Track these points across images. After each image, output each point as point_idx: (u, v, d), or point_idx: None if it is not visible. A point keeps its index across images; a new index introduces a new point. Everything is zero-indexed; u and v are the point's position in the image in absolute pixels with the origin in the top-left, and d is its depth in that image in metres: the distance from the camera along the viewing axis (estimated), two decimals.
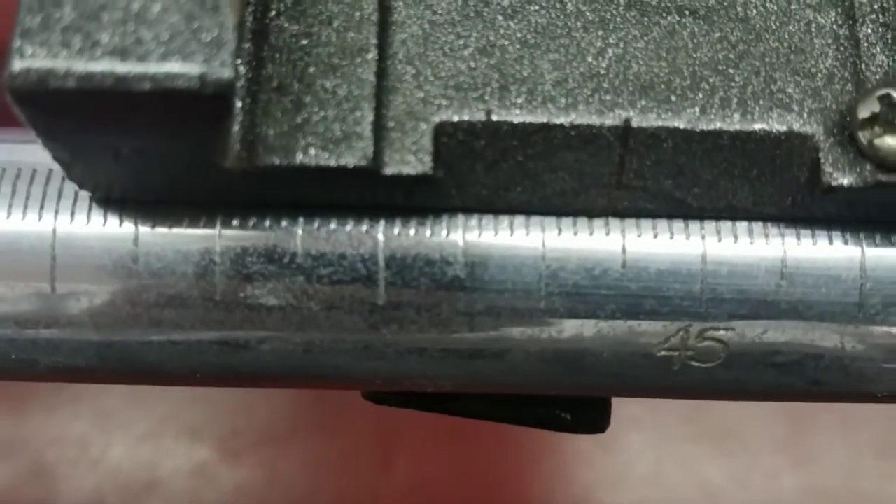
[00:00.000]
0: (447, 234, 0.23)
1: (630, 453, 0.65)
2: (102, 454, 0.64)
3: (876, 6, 0.23)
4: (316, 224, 0.23)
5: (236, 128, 0.20)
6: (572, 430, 0.28)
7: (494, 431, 0.63)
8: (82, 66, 0.18)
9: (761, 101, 0.22)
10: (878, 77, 0.22)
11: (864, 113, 0.21)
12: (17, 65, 0.18)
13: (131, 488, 0.64)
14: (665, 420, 0.65)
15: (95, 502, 0.64)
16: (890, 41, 0.22)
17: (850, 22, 0.23)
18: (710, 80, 0.22)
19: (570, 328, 0.23)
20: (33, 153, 0.22)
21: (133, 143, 0.20)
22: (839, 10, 0.23)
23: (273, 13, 0.21)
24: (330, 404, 0.64)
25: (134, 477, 0.64)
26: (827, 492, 0.65)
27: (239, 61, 0.20)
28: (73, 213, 0.23)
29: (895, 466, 0.65)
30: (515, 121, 0.21)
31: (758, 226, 0.23)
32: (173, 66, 0.18)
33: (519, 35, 0.22)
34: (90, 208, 0.23)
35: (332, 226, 0.23)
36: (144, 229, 0.22)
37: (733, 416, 0.66)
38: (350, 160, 0.21)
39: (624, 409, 0.63)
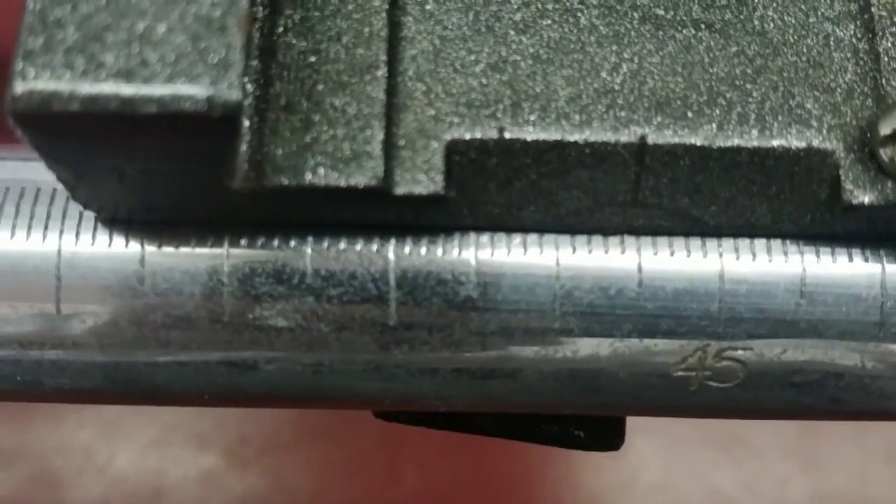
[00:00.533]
0: (459, 253, 0.22)
1: (638, 459, 0.65)
2: (108, 462, 0.64)
3: None
4: (325, 243, 0.22)
5: (244, 147, 0.20)
6: (586, 448, 0.28)
7: (502, 440, 0.63)
8: (86, 88, 0.18)
9: (780, 117, 0.22)
10: None
11: (885, 129, 0.21)
12: (20, 87, 0.18)
13: (137, 496, 0.64)
14: (674, 426, 0.65)
15: None
16: None
17: (870, 35, 0.22)
18: (728, 96, 0.22)
19: (586, 348, 0.23)
20: (37, 172, 0.22)
21: (138, 165, 0.20)
22: (858, 23, 0.22)
23: (281, 30, 0.21)
24: (337, 412, 0.63)
25: (140, 485, 0.64)
26: (837, 498, 0.65)
27: (246, 79, 0.19)
28: (78, 234, 0.22)
29: None
30: (528, 138, 0.21)
31: (776, 243, 0.23)
32: (180, 89, 0.18)
33: (531, 50, 0.22)
34: (95, 228, 0.22)
35: (342, 245, 0.22)
36: (151, 249, 0.22)
37: (742, 422, 0.65)
38: (360, 180, 0.20)
39: None
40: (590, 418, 0.27)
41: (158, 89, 0.18)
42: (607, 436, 0.27)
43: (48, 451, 0.64)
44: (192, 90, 0.18)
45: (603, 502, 0.64)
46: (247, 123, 0.20)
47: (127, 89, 0.18)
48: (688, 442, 0.65)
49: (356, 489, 0.64)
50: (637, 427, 0.66)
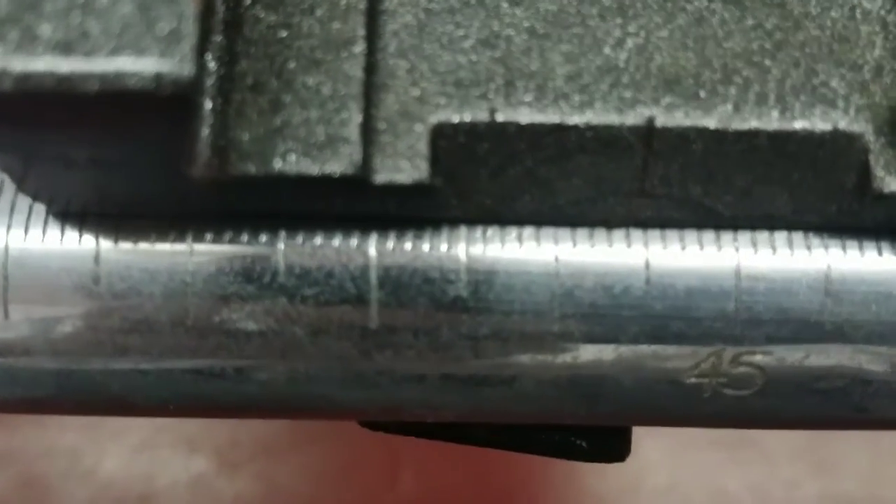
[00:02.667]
0: (448, 249, 0.21)
1: (643, 462, 0.63)
2: (95, 466, 0.63)
3: None
4: (299, 238, 0.21)
5: (205, 132, 0.19)
6: (589, 459, 0.27)
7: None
8: (19, 64, 0.16)
9: (802, 97, 0.21)
10: None
11: None
12: None
13: (126, 501, 0.63)
14: (680, 428, 0.64)
15: None
16: None
17: None
18: (744, 73, 0.21)
19: (588, 353, 0.22)
20: None
21: (86, 152, 0.19)
22: None
23: (248, 2, 0.20)
24: None
25: (128, 490, 0.63)
26: (847, 501, 0.64)
27: (209, 56, 0.18)
28: (27, 229, 0.21)
29: None
30: (523, 121, 0.20)
31: (798, 236, 0.22)
32: (125, 63, 0.16)
33: (526, 24, 0.21)
34: (46, 223, 0.21)
35: (318, 240, 0.21)
36: (106, 246, 0.21)
37: None
38: (336, 167, 0.20)
39: None
40: (593, 427, 0.26)
41: (101, 64, 0.16)
42: (612, 446, 0.26)
43: (33, 456, 0.64)
44: (139, 65, 0.16)
45: None
46: (209, 105, 0.19)
47: (65, 65, 0.16)
48: (694, 444, 0.64)
49: (352, 494, 0.63)
50: (642, 429, 0.65)
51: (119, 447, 0.64)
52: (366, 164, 0.20)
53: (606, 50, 0.21)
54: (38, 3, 0.16)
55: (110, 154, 0.19)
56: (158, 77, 0.16)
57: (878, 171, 0.20)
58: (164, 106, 0.17)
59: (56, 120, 0.17)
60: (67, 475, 0.64)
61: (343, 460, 0.64)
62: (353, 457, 0.63)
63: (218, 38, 0.19)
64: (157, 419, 0.63)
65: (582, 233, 0.22)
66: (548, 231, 0.22)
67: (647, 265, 0.22)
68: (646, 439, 0.64)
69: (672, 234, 0.22)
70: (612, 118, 0.20)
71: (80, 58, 0.16)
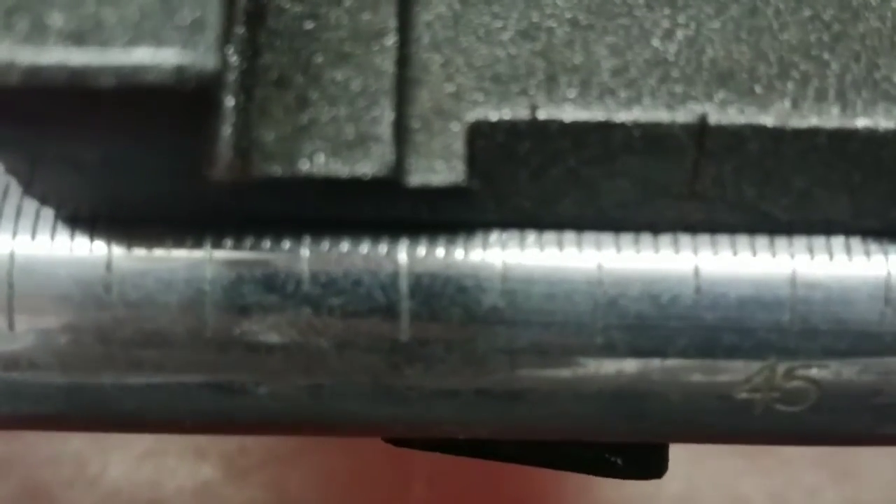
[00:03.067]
0: (483, 255, 0.21)
1: None
2: (101, 474, 0.64)
3: None
4: (325, 245, 0.21)
5: (227, 131, 0.18)
6: (624, 477, 0.26)
7: None
8: (28, 56, 0.16)
9: (864, 92, 0.20)
10: None
11: None
12: None
13: None
14: None
15: None
16: None
17: None
18: (802, 68, 0.20)
19: (632, 367, 0.21)
20: None
21: (99, 151, 0.18)
22: None
23: None
24: None
25: (135, 498, 0.63)
26: None
27: (231, 49, 0.18)
28: (34, 234, 0.21)
29: None
30: (566, 118, 0.20)
31: (857, 242, 0.22)
32: (143, 55, 0.16)
33: (568, 14, 0.21)
34: (54, 228, 0.21)
35: (345, 247, 0.21)
36: (119, 252, 0.21)
37: None
38: (367, 169, 0.19)
39: None
40: (629, 443, 0.26)
41: (117, 56, 0.16)
42: (649, 462, 0.26)
43: (38, 463, 0.64)
44: (159, 57, 0.16)
45: None
46: (231, 101, 0.18)
47: (78, 57, 0.16)
48: (712, 450, 0.64)
49: (363, 501, 0.64)
50: None
51: (125, 454, 0.65)
52: (398, 166, 0.19)
53: (655, 42, 0.20)
54: None
55: (124, 154, 0.18)
56: (180, 70, 0.16)
57: None
58: (186, 102, 0.16)
59: (67, 117, 0.17)
60: (72, 483, 0.64)
61: (354, 468, 0.64)
62: (364, 464, 0.64)
63: (240, 29, 0.18)
64: None
65: (627, 238, 0.21)
66: (590, 236, 0.21)
67: (697, 273, 0.21)
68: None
69: (723, 240, 0.21)
70: (662, 115, 0.20)
71: (95, 49, 0.16)
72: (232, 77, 0.18)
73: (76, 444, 0.65)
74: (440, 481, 0.63)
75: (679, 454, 0.68)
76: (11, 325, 0.21)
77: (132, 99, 0.16)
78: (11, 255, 0.21)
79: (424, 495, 0.63)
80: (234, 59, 0.18)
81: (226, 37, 0.16)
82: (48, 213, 0.21)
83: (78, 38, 0.16)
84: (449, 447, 0.26)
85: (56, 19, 0.16)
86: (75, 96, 0.16)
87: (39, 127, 0.17)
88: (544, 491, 0.63)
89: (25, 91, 0.16)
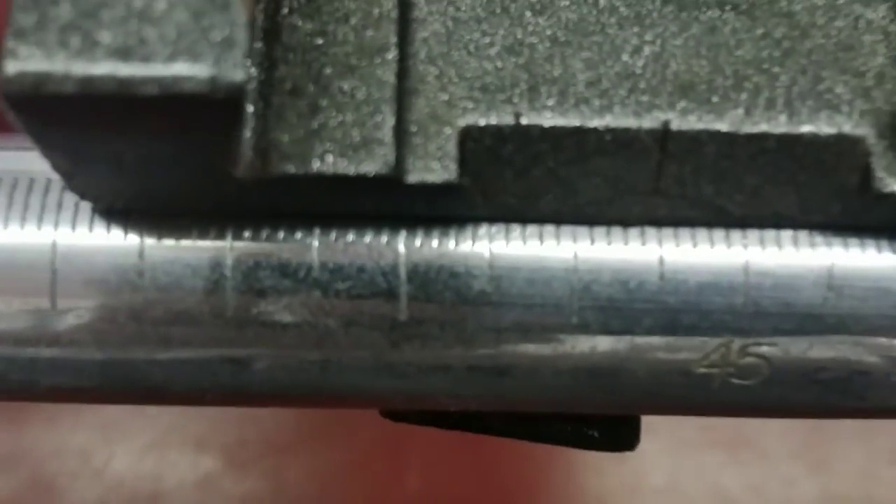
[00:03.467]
0: (472, 245, 0.22)
1: (643, 462, 0.64)
2: (105, 466, 0.64)
3: None
4: (333, 235, 0.22)
5: (248, 134, 0.19)
6: (600, 448, 0.27)
7: (507, 441, 0.63)
8: (81, 68, 0.17)
9: (809, 102, 0.21)
10: None
11: None
12: (11, 67, 0.17)
13: (135, 501, 0.63)
14: (678, 428, 0.64)
15: None
16: None
17: None
18: (754, 80, 0.21)
19: (604, 345, 0.22)
20: (31, 161, 0.22)
21: (137, 151, 0.19)
22: (890, 4, 0.22)
23: (286, 10, 0.21)
24: (338, 413, 0.64)
25: (138, 489, 0.63)
26: (844, 499, 0.65)
27: (249, 62, 0.19)
28: (74, 225, 0.22)
29: None
30: (546, 124, 0.21)
31: (804, 234, 0.23)
32: (181, 68, 0.17)
33: (549, 32, 0.22)
34: (92, 220, 0.22)
35: (350, 237, 0.22)
36: (150, 242, 0.22)
37: (748, 422, 0.65)
38: (370, 168, 0.20)
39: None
40: (604, 417, 0.27)
41: (158, 69, 0.17)
42: (622, 435, 0.27)
43: (43, 456, 0.64)
44: (194, 70, 0.17)
45: None
46: (251, 108, 0.19)
47: (125, 69, 0.17)
48: (693, 443, 0.65)
49: (358, 492, 0.63)
50: (642, 429, 0.65)
51: (128, 447, 0.64)
52: (398, 165, 0.20)
53: (624, 57, 0.21)
54: (97, 11, 0.17)
55: (158, 154, 0.19)
56: (213, 81, 0.17)
57: (880, 173, 0.21)
58: (216, 109, 0.17)
59: (112, 122, 0.18)
60: (77, 475, 0.64)
61: (350, 459, 0.63)
62: (359, 456, 0.63)
63: (258, 45, 0.20)
64: (166, 419, 0.64)
65: (599, 231, 0.22)
66: (567, 229, 0.22)
67: (661, 262, 0.22)
68: (645, 440, 0.64)
69: (685, 233, 0.22)
70: (630, 122, 0.21)
71: (139, 63, 0.17)
72: (251, 87, 0.19)
73: (81, 437, 0.64)
74: (433, 471, 0.63)
75: (660, 448, 0.68)
76: (54, 306, 0.22)
77: (170, 105, 0.17)
78: (54, 244, 0.22)
79: (418, 485, 0.63)
80: (253, 70, 0.19)
81: (249, 52, 0.18)
82: (86, 206, 0.22)
83: (124, 53, 0.17)
84: (441, 421, 0.26)
85: (105, 36, 0.17)
86: (121, 103, 0.17)
87: (87, 131, 0.18)
88: (532, 481, 0.63)
89: (78, 98, 0.17)
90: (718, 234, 0.22)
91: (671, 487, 0.64)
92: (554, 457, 0.64)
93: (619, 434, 0.27)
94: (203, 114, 0.18)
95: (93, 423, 0.64)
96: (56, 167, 0.20)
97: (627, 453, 0.64)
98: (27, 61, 0.17)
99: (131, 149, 0.19)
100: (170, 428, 0.64)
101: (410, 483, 0.63)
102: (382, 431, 0.63)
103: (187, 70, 0.17)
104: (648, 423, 0.65)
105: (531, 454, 0.64)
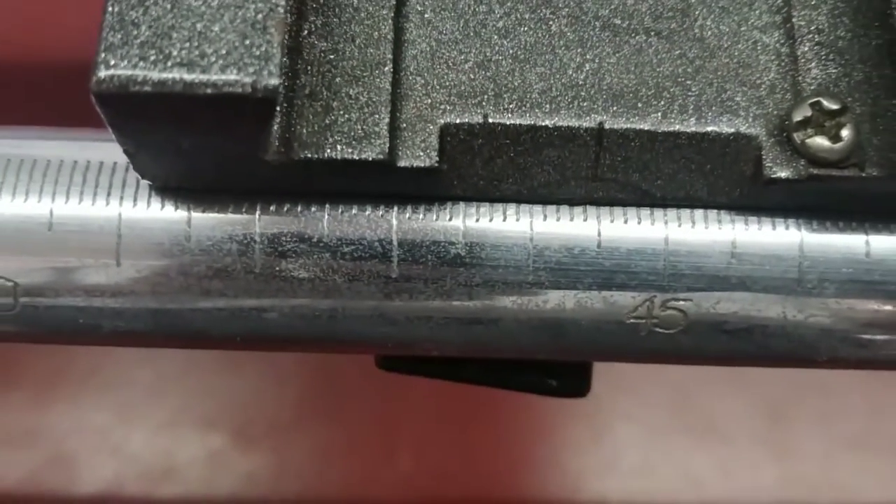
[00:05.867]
0: (450, 219, 0.25)
1: (619, 444, 0.66)
2: (123, 443, 0.65)
3: (812, 28, 0.25)
4: (340, 210, 0.24)
5: (276, 127, 0.22)
6: (558, 395, 0.31)
7: (491, 422, 0.65)
8: (156, 74, 0.21)
9: (713, 108, 0.24)
10: (812, 87, 0.24)
11: (798, 117, 0.24)
12: (103, 72, 0.21)
13: (149, 475, 0.64)
14: (652, 414, 0.66)
15: (115, 488, 0.65)
16: (823, 57, 0.25)
17: (791, 41, 0.25)
18: (671, 90, 0.24)
19: (554, 299, 0.25)
20: (101, 150, 0.25)
21: (192, 139, 0.22)
22: (782, 31, 0.25)
23: (305, 32, 0.24)
24: (336, 395, 0.65)
25: (152, 464, 0.64)
26: (804, 482, 0.66)
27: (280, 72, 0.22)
28: (135, 200, 0.25)
29: (867, 459, 0.66)
30: (508, 123, 0.23)
31: (712, 213, 0.25)
32: (230, 76, 0.21)
33: (511, 52, 0.24)
34: (150, 196, 0.25)
35: (354, 211, 0.24)
36: (196, 214, 0.25)
37: (716, 409, 0.66)
38: (370, 154, 0.23)
39: (614, 402, 0.65)
40: (561, 369, 0.30)
41: (214, 76, 0.21)
42: (575, 384, 0.31)
43: (64, 433, 0.65)
44: (240, 77, 0.21)
45: (586, 483, 0.65)
46: (278, 108, 0.22)
47: (188, 75, 0.21)
48: (665, 428, 0.66)
49: (354, 468, 0.64)
50: (618, 414, 0.67)
51: (145, 426, 0.66)
52: (391, 153, 0.23)
53: (570, 72, 0.24)
54: (168, 33, 0.21)
55: (209, 142, 0.22)
56: (254, 85, 0.21)
57: (768, 164, 0.24)
58: (256, 106, 0.21)
59: (176, 116, 0.21)
60: (96, 451, 0.65)
61: (346, 438, 0.65)
62: (355, 435, 0.65)
63: (284, 59, 0.22)
64: (178, 401, 0.66)
65: (550, 209, 0.25)
66: (525, 207, 0.25)
67: (599, 234, 0.25)
68: (620, 424, 0.66)
69: (618, 210, 0.25)
70: (573, 122, 0.23)
71: (199, 72, 0.21)
72: (280, 89, 0.22)
73: (101, 416, 0.65)
74: (423, 452, 0.65)
75: (634, 432, 0.69)
76: (119, 264, 0.25)
77: (220, 103, 0.21)
78: (119, 215, 0.25)
79: (410, 463, 0.64)
80: (281, 76, 0.22)
81: (281, 64, 0.21)
82: (145, 184, 0.25)
83: (189, 64, 0.21)
84: (426, 370, 0.30)
85: (174, 51, 0.21)
86: (184, 101, 0.21)
87: (156, 123, 0.22)
88: (516, 461, 0.65)
89: (152, 97, 0.21)
90: (644, 212, 0.25)
91: (644, 468, 0.66)
92: (536, 438, 0.67)
93: (572, 383, 0.31)
94: (244, 110, 0.21)
95: (111, 403, 0.66)
96: (126, 151, 0.23)
97: (604, 437, 0.66)
98: (115, 69, 0.21)
99: (189, 137, 0.22)
100: (182, 408, 0.66)
101: (403, 461, 0.65)
102: (377, 413, 0.65)
103: (235, 77, 0.21)
104: (623, 410, 0.67)
105: (515, 434, 0.66)
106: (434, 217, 0.25)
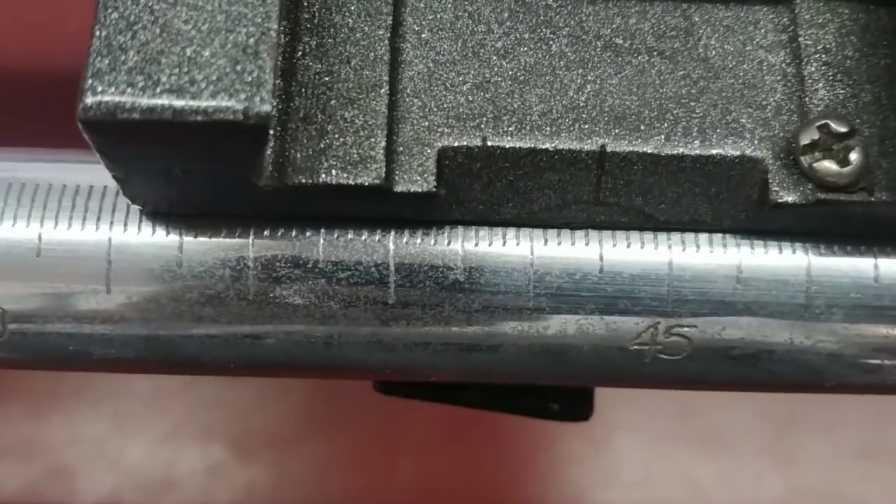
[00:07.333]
0: (448, 244, 0.24)
1: (620, 454, 0.65)
2: (121, 455, 0.65)
3: (819, 47, 0.25)
4: (335, 234, 0.24)
5: (269, 152, 0.22)
6: (560, 419, 0.30)
7: (492, 433, 0.64)
8: (145, 101, 0.20)
9: (718, 130, 0.24)
10: (819, 109, 0.24)
11: (805, 140, 0.23)
12: (90, 99, 0.20)
13: (148, 487, 0.64)
14: (653, 423, 0.65)
15: (114, 500, 0.64)
16: (830, 78, 0.24)
17: (797, 61, 0.25)
18: (675, 112, 0.24)
19: (555, 325, 0.25)
20: (91, 173, 0.25)
21: (183, 165, 0.22)
22: (788, 50, 0.25)
23: (300, 54, 0.23)
24: (337, 408, 0.64)
25: (151, 476, 0.64)
26: (810, 492, 0.65)
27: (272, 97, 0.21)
28: (125, 225, 0.24)
29: (873, 467, 0.65)
30: (507, 146, 0.23)
31: (717, 237, 0.25)
32: (221, 102, 0.20)
33: (510, 73, 0.24)
34: (141, 220, 0.24)
35: (350, 236, 0.24)
36: (188, 238, 0.24)
37: (720, 419, 0.66)
38: (366, 179, 0.22)
39: (614, 412, 0.64)
40: (563, 393, 0.30)
41: (204, 102, 0.20)
42: (578, 408, 0.30)
43: (62, 445, 0.65)
44: (231, 103, 0.20)
45: (587, 496, 0.65)
46: (271, 132, 0.22)
47: (178, 102, 0.20)
48: (667, 438, 0.66)
49: (355, 480, 0.64)
50: (618, 424, 0.66)
51: (143, 437, 0.65)
52: (388, 177, 0.23)
53: (571, 93, 0.24)
54: (157, 58, 0.20)
55: (200, 167, 0.22)
56: (245, 112, 0.20)
57: (775, 187, 0.23)
58: (247, 133, 0.20)
59: (166, 142, 0.21)
60: (94, 463, 0.64)
61: (348, 450, 0.65)
62: (356, 448, 0.65)
63: (278, 81, 0.22)
64: (177, 413, 0.65)
65: (551, 233, 0.24)
66: (525, 231, 0.24)
67: (601, 258, 0.24)
68: (621, 434, 0.65)
69: (620, 234, 0.25)
70: (574, 145, 0.23)
71: (189, 98, 0.20)
72: (272, 115, 0.21)
73: (99, 427, 0.65)
74: (424, 463, 0.64)
75: (636, 442, 0.68)
76: (109, 290, 0.24)
77: (211, 130, 0.20)
78: (109, 240, 0.24)
79: (411, 475, 0.64)
80: (274, 102, 0.22)
81: (274, 90, 0.20)
82: (135, 209, 0.24)
83: (178, 90, 0.20)
84: (425, 394, 0.29)
85: (163, 77, 0.20)
86: (174, 128, 0.20)
87: (145, 149, 0.21)
88: (516, 472, 0.64)
89: (141, 124, 0.20)
90: (647, 236, 0.25)
91: (646, 479, 0.66)
92: (537, 449, 0.66)
93: (575, 407, 0.30)
94: (236, 136, 0.21)
95: (109, 414, 0.66)
96: (116, 177, 0.23)
97: (605, 448, 0.65)
98: (102, 95, 0.20)
99: (179, 163, 0.22)
100: (182, 420, 0.66)
101: (404, 473, 0.65)
102: (377, 425, 0.65)
103: (226, 103, 0.20)
104: (624, 420, 0.66)
105: (516, 445, 0.65)
106: (432, 241, 0.24)
